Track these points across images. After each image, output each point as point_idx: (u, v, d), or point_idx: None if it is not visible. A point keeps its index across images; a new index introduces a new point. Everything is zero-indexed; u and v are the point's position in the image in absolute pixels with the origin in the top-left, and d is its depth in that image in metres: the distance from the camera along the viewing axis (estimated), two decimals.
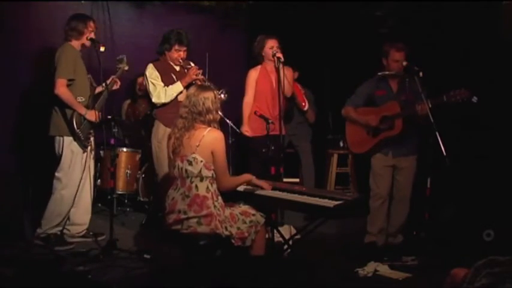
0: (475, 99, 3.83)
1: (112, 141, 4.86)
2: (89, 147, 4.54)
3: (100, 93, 4.58)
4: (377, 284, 3.79)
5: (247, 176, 3.54)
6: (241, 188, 3.56)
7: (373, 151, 4.38)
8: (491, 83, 4.79)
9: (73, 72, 4.35)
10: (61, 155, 4.41)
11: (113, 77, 4.60)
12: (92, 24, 4.50)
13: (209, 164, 3.24)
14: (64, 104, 4.34)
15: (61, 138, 4.41)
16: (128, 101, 6.11)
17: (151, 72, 4.71)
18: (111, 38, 6.11)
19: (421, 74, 4.00)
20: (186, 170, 3.25)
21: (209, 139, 3.24)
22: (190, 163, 3.23)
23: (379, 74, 4.35)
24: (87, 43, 4.50)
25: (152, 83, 4.68)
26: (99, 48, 4.43)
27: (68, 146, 4.40)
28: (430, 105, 3.94)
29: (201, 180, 3.24)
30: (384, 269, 3.96)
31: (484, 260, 1.73)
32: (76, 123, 4.35)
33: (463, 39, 5.05)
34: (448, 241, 4.19)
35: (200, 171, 3.22)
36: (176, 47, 4.70)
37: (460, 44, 5.08)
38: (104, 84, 4.55)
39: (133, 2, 6.28)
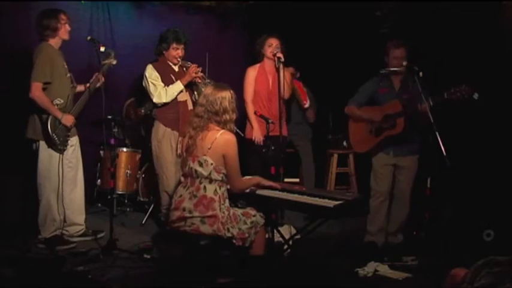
0: (476, 95, 3.83)
1: (112, 141, 4.86)
2: (74, 147, 4.46)
3: (81, 92, 4.49)
4: (377, 284, 3.79)
5: (257, 179, 3.53)
6: None
7: (375, 150, 4.38)
8: (491, 82, 4.79)
9: (49, 75, 4.23)
10: (37, 160, 4.33)
11: (96, 74, 4.47)
12: (63, 16, 4.35)
13: (219, 167, 3.23)
14: (40, 108, 4.23)
15: (37, 142, 4.32)
16: (129, 101, 6.11)
17: (151, 73, 4.71)
18: (111, 38, 6.10)
19: (421, 74, 4.00)
20: (196, 171, 3.25)
21: (221, 142, 3.23)
22: (201, 164, 3.24)
23: (382, 70, 4.36)
24: (66, 37, 4.39)
25: (153, 83, 4.68)
26: (99, 48, 4.38)
27: (45, 150, 4.31)
28: (432, 103, 3.94)
29: (210, 182, 3.24)
30: (384, 269, 3.96)
31: (484, 260, 1.73)
32: (51, 127, 4.23)
33: (463, 39, 5.05)
34: (448, 241, 4.19)
35: (210, 173, 3.22)
36: (174, 45, 4.70)
37: (460, 44, 5.09)
38: (87, 84, 4.47)
39: (134, 2, 6.27)
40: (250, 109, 4.87)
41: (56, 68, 4.30)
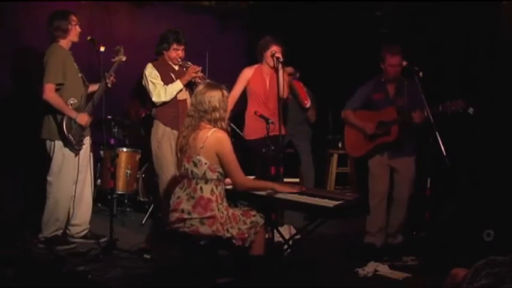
0: (471, 110, 3.86)
1: (112, 141, 4.86)
2: (86, 146, 4.47)
3: (93, 92, 4.51)
4: (377, 284, 3.80)
5: (270, 184, 3.46)
6: None
7: (369, 155, 4.42)
8: (491, 82, 4.80)
9: (62, 76, 4.26)
10: (51, 159, 4.35)
11: (110, 72, 4.50)
12: (73, 17, 4.39)
13: (214, 166, 3.21)
14: (54, 108, 4.26)
15: (52, 142, 4.35)
16: (129, 101, 6.11)
17: (151, 72, 4.71)
18: (111, 38, 6.10)
19: (421, 74, 4.00)
20: (191, 171, 3.24)
21: (212, 141, 3.21)
22: (195, 165, 3.22)
23: (376, 78, 4.36)
24: (76, 39, 4.42)
25: (152, 82, 4.68)
26: (99, 48, 4.39)
27: (59, 150, 4.33)
28: (427, 114, 3.96)
29: (206, 182, 3.22)
30: (384, 269, 3.96)
31: (484, 260, 1.73)
32: (66, 128, 4.25)
33: (463, 39, 5.05)
34: (448, 241, 4.19)
35: (205, 173, 3.21)
36: (174, 46, 4.70)
37: (460, 43, 5.09)
38: (103, 83, 4.49)
39: (133, 2, 6.28)
40: (230, 102, 4.81)
41: (68, 68, 4.33)
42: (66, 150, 4.35)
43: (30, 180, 4.81)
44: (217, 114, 3.26)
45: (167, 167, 4.69)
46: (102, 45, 4.44)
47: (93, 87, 4.57)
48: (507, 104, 4.70)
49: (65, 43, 4.38)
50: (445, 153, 3.80)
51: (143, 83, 4.78)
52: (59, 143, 4.33)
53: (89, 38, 4.48)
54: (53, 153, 4.36)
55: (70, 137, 4.28)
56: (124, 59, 4.58)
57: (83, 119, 4.33)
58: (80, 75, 4.47)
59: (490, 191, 4.45)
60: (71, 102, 4.33)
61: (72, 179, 4.38)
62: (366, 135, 4.38)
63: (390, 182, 4.43)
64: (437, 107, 3.96)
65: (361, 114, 4.45)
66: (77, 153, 4.38)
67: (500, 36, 4.88)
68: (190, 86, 4.80)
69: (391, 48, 4.28)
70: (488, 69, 4.85)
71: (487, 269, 1.69)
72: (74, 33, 4.40)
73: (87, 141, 4.51)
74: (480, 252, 3.47)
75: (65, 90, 4.31)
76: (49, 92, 4.22)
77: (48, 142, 4.39)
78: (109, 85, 4.51)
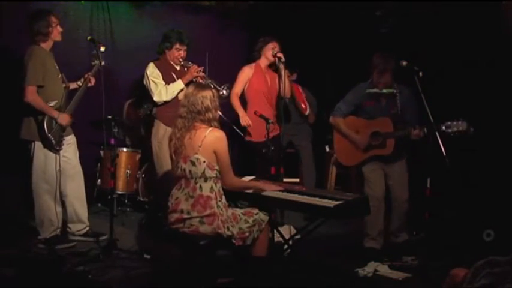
0: (471, 130, 3.87)
1: (112, 141, 4.86)
2: (72, 144, 4.45)
3: (75, 90, 4.49)
4: (377, 284, 3.79)
5: (257, 184, 3.52)
6: None
7: (360, 165, 4.40)
8: (491, 82, 4.80)
9: (41, 79, 4.22)
10: (32, 160, 4.32)
11: (88, 74, 4.48)
12: (53, 19, 4.32)
13: (212, 164, 3.23)
14: (36, 110, 4.23)
15: (32, 143, 4.32)
16: (129, 101, 6.12)
17: (152, 71, 4.71)
18: (111, 38, 6.11)
19: (421, 74, 3.99)
20: (190, 171, 3.24)
21: (211, 139, 3.22)
22: (193, 164, 3.23)
23: (368, 90, 4.31)
24: (59, 38, 4.38)
25: (153, 81, 4.69)
26: (99, 49, 4.38)
27: (40, 150, 4.30)
28: (426, 131, 3.97)
29: (205, 180, 3.23)
30: (384, 269, 3.96)
31: (484, 260, 1.73)
32: (47, 127, 4.23)
33: (463, 38, 5.05)
34: (448, 241, 4.19)
35: (204, 171, 3.22)
36: (177, 45, 4.71)
37: (460, 43, 5.09)
38: (79, 83, 4.48)
39: (133, 2, 6.28)
40: (235, 99, 4.85)
41: (47, 70, 4.29)
42: (47, 150, 4.31)
43: (30, 180, 4.80)
44: (210, 115, 3.28)
45: (168, 166, 4.69)
46: (102, 45, 4.43)
47: (73, 85, 4.54)
48: (507, 103, 4.70)
49: (46, 45, 4.33)
50: (445, 153, 3.80)
51: (144, 82, 4.79)
52: (38, 144, 4.30)
53: (89, 37, 4.47)
54: (33, 155, 4.33)
55: (50, 136, 4.24)
56: (102, 63, 4.47)
57: (64, 118, 4.30)
58: (59, 76, 4.42)
59: (490, 192, 4.45)
60: (52, 104, 4.29)
61: (57, 178, 4.34)
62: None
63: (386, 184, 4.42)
64: (439, 126, 3.91)
65: (352, 121, 4.39)
66: (57, 153, 4.33)
67: (500, 36, 4.88)
68: None
69: (380, 67, 4.20)
70: (488, 69, 4.85)
71: (487, 269, 1.69)
72: (56, 33, 4.35)
73: (71, 140, 4.47)
74: (480, 252, 3.47)
75: (45, 93, 4.27)
76: (30, 95, 4.18)
77: (28, 143, 4.35)
78: (89, 85, 4.48)
